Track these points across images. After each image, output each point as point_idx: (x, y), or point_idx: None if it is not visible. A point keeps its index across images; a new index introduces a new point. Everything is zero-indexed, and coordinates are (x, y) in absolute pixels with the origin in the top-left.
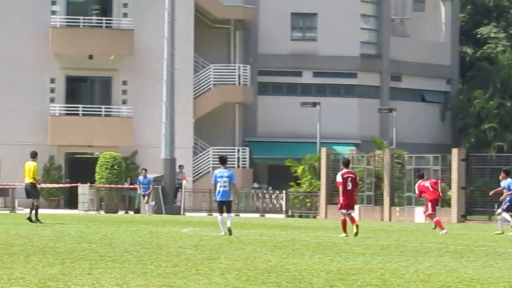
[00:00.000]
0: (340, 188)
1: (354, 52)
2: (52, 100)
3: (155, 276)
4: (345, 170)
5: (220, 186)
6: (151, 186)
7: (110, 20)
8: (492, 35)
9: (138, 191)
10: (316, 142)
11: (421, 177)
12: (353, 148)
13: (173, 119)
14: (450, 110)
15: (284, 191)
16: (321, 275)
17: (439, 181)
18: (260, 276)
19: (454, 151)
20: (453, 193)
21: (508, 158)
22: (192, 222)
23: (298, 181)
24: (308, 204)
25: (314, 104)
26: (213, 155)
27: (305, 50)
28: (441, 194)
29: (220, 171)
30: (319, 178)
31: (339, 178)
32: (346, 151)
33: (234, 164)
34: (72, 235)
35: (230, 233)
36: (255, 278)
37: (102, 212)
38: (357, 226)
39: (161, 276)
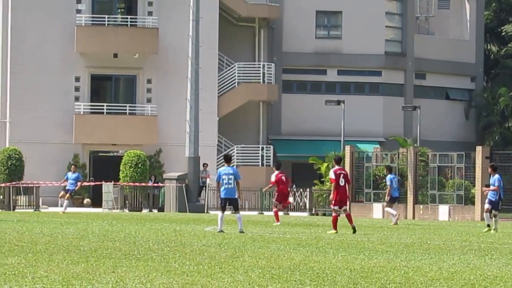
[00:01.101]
0: (333, 184)
1: (378, 50)
2: (76, 99)
3: (178, 274)
4: (337, 167)
5: (226, 184)
6: (78, 183)
7: (135, 18)
8: None
9: (62, 184)
10: (340, 140)
11: (279, 168)
12: (377, 146)
13: (198, 117)
14: (474, 108)
15: (308, 189)
16: (344, 273)
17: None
18: (283, 274)
19: (478, 148)
20: (477, 191)
21: None
22: (215, 221)
23: (322, 179)
24: None
25: (338, 102)
26: (237, 153)
27: (330, 48)
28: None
29: (225, 169)
30: None
31: (332, 175)
32: (370, 149)
33: (258, 162)
34: (96, 233)
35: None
36: (279, 276)
37: (126, 210)
38: (354, 228)
39: (184, 274)
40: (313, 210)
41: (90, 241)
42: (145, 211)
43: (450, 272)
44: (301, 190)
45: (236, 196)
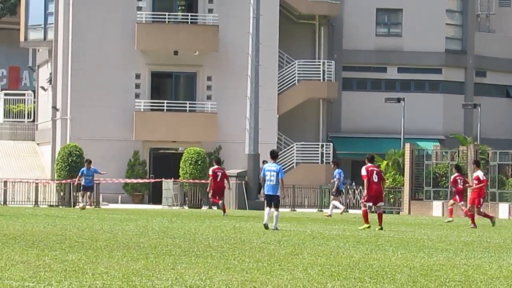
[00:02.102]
0: (365, 181)
1: (439, 47)
2: (137, 96)
3: (238, 271)
4: (369, 165)
5: (268, 180)
6: (101, 173)
7: (195, 16)
8: None
9: (76, 183)
10: (400, 138)
11: (218, 163)
12: (437, 143)
13: (257, 114)
14: None
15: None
16: (404, 271)
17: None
18: (343, 272)
19: None
20: None
21: None
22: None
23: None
24: (392, 199)
25: (399, 100)
26: (297, 150)
27: (390, 45)
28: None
29: (269, 165)
30: (402, 174)
31: (363, 172)
32: (430, 146)
33: (317, 159)
34: (156, 230)
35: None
36: (338, 274)
37: (186, 207)
38: (381, 228)
39: (244, 271)
40: (373, 208)
41: (150, 238)
42: (204, 208)
43: (510, 271)
44: (361, 187)
45: (278, 193)
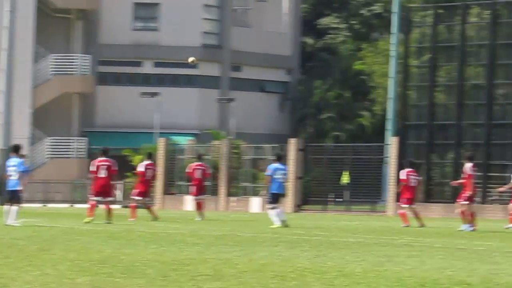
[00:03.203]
0: (92, 176)
1: (195, 42)
2: None
3: None
4: (100, 159)
5: (9, 176)
6: None
7: None
8: (333, 25)
9: None
10: (155, 132)
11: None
12: (192, 138)
13: (10, 109)
14: (290, 100)
15: (122, 181)
16: (155, 266)
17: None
18: (93, 267)
19: (292, 141)
20: (289, 183)
21: (344, 148)
22: (26, 214)
23: (134, 171)
24: None
25: (153, 94)
26: (49, 145)
27: (147, 40)
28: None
29: (11, 161)
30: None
31: (91, 167)
32: (185, 141)
33: (72, 154)
34: None
35: None
36: (88, 269)
37: None
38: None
39: None
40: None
41: None
42: None
43: (260, 264)
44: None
45: (17, 188)
